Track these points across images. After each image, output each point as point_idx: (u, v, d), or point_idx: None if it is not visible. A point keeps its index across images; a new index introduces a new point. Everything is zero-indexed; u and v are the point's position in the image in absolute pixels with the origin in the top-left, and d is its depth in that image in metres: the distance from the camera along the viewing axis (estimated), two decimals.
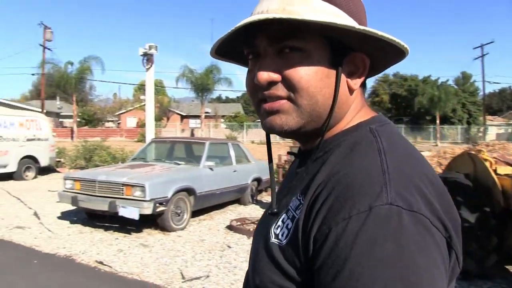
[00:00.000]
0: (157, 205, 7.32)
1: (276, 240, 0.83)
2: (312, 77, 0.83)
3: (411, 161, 0.79)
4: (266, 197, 11.83)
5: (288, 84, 0.83)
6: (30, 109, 31.95)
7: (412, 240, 0.67)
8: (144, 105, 56.44)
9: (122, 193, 7.36)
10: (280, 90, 0.84)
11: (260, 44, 0.86)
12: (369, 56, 0.89)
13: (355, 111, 0.91)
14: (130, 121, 62.86)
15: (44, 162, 15.62)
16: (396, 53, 0.88)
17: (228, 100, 79.61)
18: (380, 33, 0.80)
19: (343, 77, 0.87)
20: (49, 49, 40.84)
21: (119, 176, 7.57)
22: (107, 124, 65.59)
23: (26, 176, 14.92)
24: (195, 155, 9.54)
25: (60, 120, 58.22)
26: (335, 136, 0.89)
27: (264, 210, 1.14)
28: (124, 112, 63.82)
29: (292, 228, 0.81)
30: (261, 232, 0.93)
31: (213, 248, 6.88)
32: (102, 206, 7.41)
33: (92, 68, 41.68)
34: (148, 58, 15.34)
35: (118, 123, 65.91)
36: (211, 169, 8.97)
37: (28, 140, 15.11)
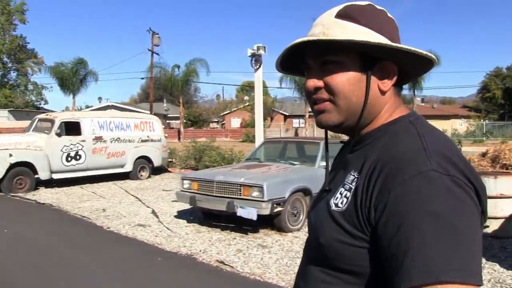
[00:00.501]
0: (275, 205, 7.19)
1: (336, 208, 1.05)
2: (345, 83, 1.07)
3: (443, 141, 0.99)
4: None
5: (328, 89, 1.08)
6: (138, 111, 33.37)
7: (454, 195, 0.87)
8: (248, 105, 57.37)
9: (240, 193, 7.32)
10: (324, 94, 1.10)
11: (309, 59, 1.12)
12: (398, 63, 1.09)
13: (392, 109, 1.12)
14: (234, 122, 64.14)
15: (157, 162, 16.16)
16: (424, 61, 1.09)
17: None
18: (394, 44, 1.04)
19: (374, 80, 1.08)
20: (157, 53, 42.68)
21: (237, 177, 7.54)
22: (211, 125, 67.46)
23: (141, 175, 15.52)
24: (309, 155, 9.32)
25: (167, 121, 60.60)
26: (379, 128, 1.10)
27: None
28: (228, 113, 65.23)
29: (350, 196, 1.02)
30: (319, 207, 1.17)
31: None
32: (220, 206, 7.42)
33: (197, 70, 42.87)
34: (256, 58, 15.33)
35: (223, 124, 67.49)
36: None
37: (142, 141, 15.73)
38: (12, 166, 12.14)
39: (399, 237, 0.86)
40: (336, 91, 1.07)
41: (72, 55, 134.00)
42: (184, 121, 49.22)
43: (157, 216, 8.95)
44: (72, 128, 13.66)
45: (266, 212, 7.10)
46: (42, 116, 14.62)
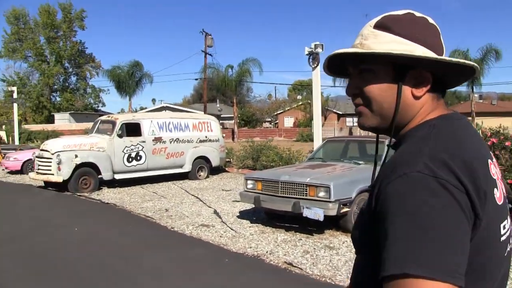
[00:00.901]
0: (341, 206, 7.02)
1: (363, 206, 1.15)
2: (377, 90, 1.13)
3: (450, 146, 1.02)
4: None
5: (363, 95, 1.16)
6: (191, 112, 33.72)
7: (433, 195, 0.91)
8: (301, 104, 56.95)
9: (306, 193, 7.18)
10: (360, 100, 1.18)
11: (348, 67, 1.21)
12: (432, 70, 1.12)
13: (426, 112, 1.14)
14: (287, 121, 63.96)
15: (215, 162, 16.23)
16: (463, 68, 1.13)
17: None
18: (421, 55, 1.08)
19: (406, 87, 1.12)
20: (210, 54, 43.05)
21: (302, 177, 7.39)
22: (264, 125, 67.50)
23: (199, 175, 15.62)
24: (372, 154, 9.08)
25: (221, 121, 61.05)
26: (409, 131, 1.14)
27: None
28: (281, 112, 65.10)
29: (369, 195, 1.11)
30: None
31: None
32: (285, 206, 7.30)
33: (251, 70, 42.95)
34: (314, 57, 15.09)
35: (276, 123, 67.40)
36: None
37: (200, 141, 15.83)
38: (78, 166, 12.47)
39: (382, 232, 0.95)
40: (369, 98, 1.15)
41: (126, 58, 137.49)
42: (238, 121, 49.44)
43: (219, 216, 8.93)
44: (132, 130, 13.92)
45: (333, 213, 6.93)
46: (104, 118, 14.95)
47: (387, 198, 0.96)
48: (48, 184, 13.35)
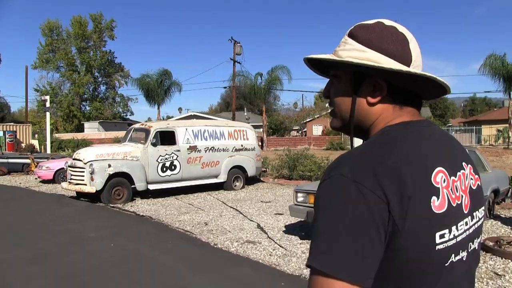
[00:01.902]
0: None
1: None
2: (338, 95, 1.21)
3: (384, 152, 1.03)
4: (502, 211, 10.09)
5: (330, 99, 1.25)
6: (220, 120, 33.22)
7: (347, 197, 0.95)
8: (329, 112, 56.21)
9: None
10: (331, 103, 1.25)
11: (324, 71, 1.31)
12: (387, 79, 1.14)
13: (385, 120, 1.16)
14: (316, 129, 63.08)
15: (251, 172, 15.60)
16: (428, 80, 1.14)
17: None
18: (379, 66, 1.09)
19: (363, 94, 1.16)
20: (238, 62, 42.52)
21: None
22: (291, 133, 66.69)
23: (235, 186, 15.00)
24: None
25: None
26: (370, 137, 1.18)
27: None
28: (310, 121, 64.29)
29: None
30: None
31: (479, 276, 5.60)
32: (301, 215, 6.73)
33: (280, 78, 42.30)
34: None
35: (303, 132, 66.57)
36: None
37: (236, 150, 15.22)
38: (111, 176, 11.98)
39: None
40: (333, 101, 1.23)
41: (153, 66, 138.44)
42: (266, 129, 48.79)
43: (265, 232, 8.26)
44: (166, 138, 13.38)
45: None
46: (137, 126, 14.45)
47: (315, 196, 1.02)
48: (80, 195, 12.88)
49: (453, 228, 1.05)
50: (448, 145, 1.17)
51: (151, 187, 12.89)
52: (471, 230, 1.13)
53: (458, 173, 1.12)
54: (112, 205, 11.75)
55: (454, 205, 1.06)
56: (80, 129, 57.44)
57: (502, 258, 6.31)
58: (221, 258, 6.70)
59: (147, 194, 13.12)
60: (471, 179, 1.20)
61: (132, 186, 12.47)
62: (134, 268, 6.19)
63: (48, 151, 28.55)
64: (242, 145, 15.43)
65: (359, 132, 1.21)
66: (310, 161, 16.53)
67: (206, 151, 14.21)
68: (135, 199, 12.72)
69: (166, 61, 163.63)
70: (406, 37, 1.16)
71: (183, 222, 9.33)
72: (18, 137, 32.65)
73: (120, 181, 12.22)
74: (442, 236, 1.02)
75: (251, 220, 9.37)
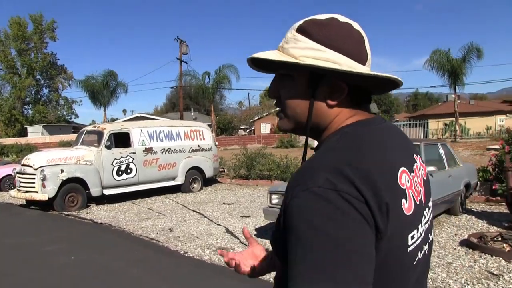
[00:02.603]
0: None
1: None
2: (291, 97, 1.12)
3: (353, 157, 0.98)
4: (472, 205, 10.16)
5: (279, 101, 1.16)
6: (162, 120, 32.55)
7: (335, 208, 0.88)
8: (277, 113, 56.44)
9: None
10: (278, 103, 1.17)
11: (270, 69, 1.20)
12: (349, 80, 1.08)
13: (341, 120, 1.11)
14: (264, 128, 63.10)
15: (209, 173, 15.22)
16: (382, 80, 1.11)
17: None
18: (329, 67, 1.04)
19: (321, 95, 1.10)
20: (185, 62, 41.81)
21: None
22: (239, 132, 66.52)
23: (193, 188, 14.59)
24: None
25: None
26: (326, 138, 1.12)
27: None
28: (258, 119, 64.27)
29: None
30: None
31: (475, 276, 5.48)
32: None
33: (229, 77, 41.90)
34: None
35: (251, 130, 66.51)
36: (431, 175, 7.60)
37: (193, 151, 14.80)
38: (64, 182, 11.34)
39: (289, 248, 0.91)
40: (285, 103, 1.14)
41: (97, 68, 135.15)
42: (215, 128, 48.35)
43: (235, 236, 7.91)
44: (121, 140, 12.83)
45: None
46: (90, 128, 13.79)
47: (292, 213, 0.93)
48: (30, 203, 12.16)
49: (419, 226, 1.06)
50: (401, 140, 1.15)
51: (107, 192, 12.31)
52: (428, 222, 1.14)
53: (413, 167, 1.11)
54: (66, 213, 11.13)
55: (418, 203, 1.06)
56: (23, 133, 55.29)
57: (492, 256, 6.19)
58: (197, 268, 6.30)
59: (102, 199, 12.53)
60: (422, 169, 1.18)
61: (87, 191, 11.86)
62: (105, 284, 5.73)
63: None
64: (199, 146, 15.03)
65: (312, 133, 1.17)
66: (268, 159, 16.29)
67: (162, 152, 13.73)
68: (89, 206, 12.12)
69: (111, 62, 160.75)
70: (362, 35, 1.13)
71: (146, 229, 8.88)
72: None
73: (73, 187, 11.60)
74: (412, 237, 1.02)
75: (218, 224, 9.02)
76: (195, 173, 14.72)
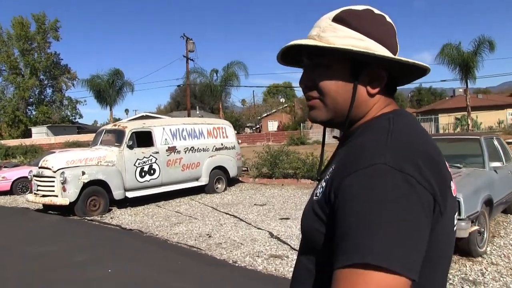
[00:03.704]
0: (471, 224, 5.37)
1: (315, 197, 1.10)
2: (333, 85, 1.12)
3: (411, 140, 1.00)
4: None
5: (318, 89, 1.14)
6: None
7: (398, 189, 0.88)
8: (286, 107, 55.37)
9: None
10: (313, 93, 1.16)
11: (303, 58, 1.18)
12: (387, 69, 1.12)
13: (379, 108, 1.14)
14: (271, 125, 62.40)
15: (233, 172, 14.45)
16: (415, 69, 1.14)
17: None
18: (377, 53, 1.06)
19: (362, 84, 1.11)
20: (192, 59, 41.08)
21: None
22: (246, 130, 65.78)
23: (217, 188, 13.81)
24: (465, 155, 7.47)
25: None
26: (363, 124, 1.14)
27: None
28: (265, 116, 63.51)
29: (325, 186, 1.06)
30: (310, 196, 1.17)
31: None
32: None
33: (237, 74, 41.08)
34: None
35: (257, 128, 65.79)
36: (495, 171, 6.84)
37: (216, 149, 14.03)
38: (85, 185, 10.57)
39: (343, 222, 0.90)
40: (324, 92, 1.13)
41: (101, 67, 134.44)
42: None
43: (283, 242, 7.14)
44: (143, 139, 12.05)
45: (465, 234, 5.27)
46: (110, 127, 13.01)
47: (351, 189, 0.92)
48: (48, 207, 11.39)
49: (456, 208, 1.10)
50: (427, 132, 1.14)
51: (129, 194, 11.53)
52: None
53: None
54: (89, 218, 10.36)
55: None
56: (27, 134, 54.53)
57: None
58: (252, 280, 5.55)
59: (124, 203, 11.74)
60: None
61: (109, 194, 11.10)
62: None
63: None
64: (222, 144, 14.26)
65: (345, 122, 1.16)
66: (293, 157, 15.51)
67: (185, 152, 12.95)
68: (111, 209, 11.35)
69: (115, 62, 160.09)
70: (394, 28, 1.17)
71: (181, 235, 8.10)
72: None
73: (95, 190, 10.82)
74: (455, 218, 1.09)
75: (258, 228, 8.25)
76: (219, 172, 13.94)
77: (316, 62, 1.14)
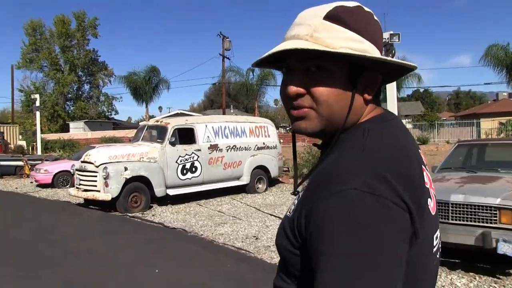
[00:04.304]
0: None
1: (289, 213, 1.02)
2: (331, 93, 0.98)
3: (385, 156, 0.92)
4: None
5: (312, 97, 0.99)
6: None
7: (372, 215, 0.81)
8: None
9: (495, 220, 5.06)
10: (305, 101, 1.00)
11: (292, 61, 1.01)
12: (382, 72, 1.05)
13: (365, 115, 1.05)
14: None
15: (274, 172, 14.13)
16: (402, 69, 1.07)
17: (404, 98, 73.69)
18: (388, 59, 0.99)
19: (359, 90, 1.02)
20: (228, 58, 40.97)
21: (485, 196, 5.24)
22: (280, 130, 65.50)
23: (258, 188, 13.52)
24: None
25: None
26: (342, 135, 1.02)
27: None
28: None
29: (297, 204, 0.99)
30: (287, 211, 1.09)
31: None
32: (464, 239, 5.18)
33: (274, 72, 40.78)
34: (388, 48, 13.10)
35: (291, 128, 65.41)
36: None
37: (258, 148, 13.73)
38: (127, 181, 10.42)
39: (315, 252, 0.85)
40: (321, 100, 0.99)
41: (136, 64, 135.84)
42: None
43: None
44: (185, 136, 11.84)
45: None
46: (152, 123, 12.86)
47: (321, 219, 0.85)
48: (89, 202, 11.29)
49: (439, 226, 1.05)
50: (411, 137, 1.08)
51: (171, 192, 11.34)
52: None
53: (423, 164, 1.05)
54: (130, 214, 10.20)
55: (436, 203, 1.03)
56: (65, 129, 55.52)
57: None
58: None
59: (164, 200, 11.56)
60: (426, 169, 1.07)
61: (150, 191, 10.93)
62: None
63: (39, 152, 26.71)
64: (264, 143, 13.95)
65: (334, 132, 1.03)
66: None
67: (227, 150, 12.70)
68: (152, 207, 11.18)
69: (150, 59, 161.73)
70: (380, 26, 1.08)
71: (227, 236, 7.83)
72: (5, 138, 30.96)
73: (137, 186, 10.68)
74: (436, 238, 1.01)
75: None
76: (260, 172, 13.65)
77: (310, 64, 1.00)
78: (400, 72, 1.10)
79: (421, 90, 78.43)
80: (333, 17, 0.98)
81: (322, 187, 0.89)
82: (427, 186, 0.97)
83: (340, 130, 1.01)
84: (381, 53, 1.04)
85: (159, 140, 11.53)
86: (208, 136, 12.31)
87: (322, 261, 0.82)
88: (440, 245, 1.06)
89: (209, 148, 12.20)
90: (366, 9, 1.05)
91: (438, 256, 1.05)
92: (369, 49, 0.99)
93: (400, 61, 1.02)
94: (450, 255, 5.83)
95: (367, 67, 1.01)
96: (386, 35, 13.15)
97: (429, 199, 0.96)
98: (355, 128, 1.02)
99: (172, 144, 11.38)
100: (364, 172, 0.87)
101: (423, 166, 1.01)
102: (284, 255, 1.00)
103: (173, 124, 11.73)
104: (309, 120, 1.02)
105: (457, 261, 5.80)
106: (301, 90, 1.00)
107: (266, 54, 1.01)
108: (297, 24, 1.02)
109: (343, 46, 0.96)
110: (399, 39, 13.31)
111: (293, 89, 1.00)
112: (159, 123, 12.32)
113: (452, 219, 5.34)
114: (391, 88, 13.58)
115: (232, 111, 64.01)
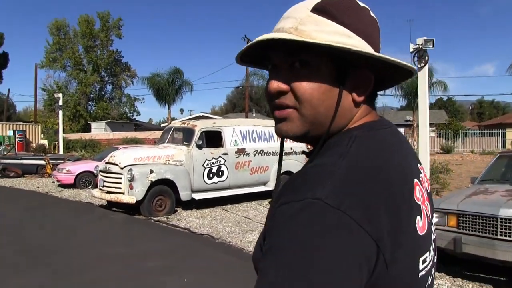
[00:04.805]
0: None
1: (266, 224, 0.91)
2: (315, 91, 0.89)
3: (366, 168, 0.83)
4: None
5: (295, 95, 0.90)
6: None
7: (326, 235, 0.72)
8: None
9: None
10: (288, 100, 0.91)
11: (275, 57, 0.94)
12: (374, 72, 0.94)
13: (356, 120, 0.96)
14: None
15: None
16: (402, 71, 0.96)
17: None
18: (377, 54, 0.89)
19: (347, 90, 0.92)
20: None
21: None
22: None
23: None
24: None
25: None
26: (329, 140, 0.93)
27: None
28: None
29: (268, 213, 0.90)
30: None
31: None
32: None
33: None
34: (421, 54, 12.68)
35: None
36: None
37: (285, 153, 13.36)
38: (153, 184, 10.14)
39: (262, 259, 0.78)
40: (303, 99, 0.90)
41: (158, 66, 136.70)
42: None
43: None
44: (212, 139, 11.54)
45: None
46: (178, 125, 12.63)
47: (278, 222, 0.78)
48: (112, 204, 11.04)
49: (431, 248, 0.94)
50: (409, 148, 1.01)
51: (196, 196, 11.04)
52: (433, 241, 0.99)
53: (420, 178, 0.96)
54: (155, 218, 9.92)
55: (428, 220, 0.93)
56: (87, 129, 55.78)
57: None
58: None
59: (189, 204, 11.26)
60: (426, 181, 1.01)
61: (176, 195, 10.64)
62: None
63: (61, 151, 26.71)
64: (291, 148, 13.55)
65: (320, 136, 0.94)
66: None
67: (255, 154, 12.37)
68: (176, 211, 10.89)
69: (173, 61, 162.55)
70: (378, 23, 0.99)
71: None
72: (27, 136, 31.16)
73: (162, 189, 10.39)
74: (424, 261, 0.90)
75: None
76: (287, 178, 13.24)
77: (294, 60, 0.92)
78: (402, 75, 0.99)
79: (445, 98, 77.43)
80: (321, 9, 0.91)
81: (290, 191, 0.82)
82: (419, 202, 0.89)
83: (325, 134, 0.92)
84: (378, 52, 0.94)
85: (186, 143, 11.25)
86: (235, 140, 12.00)
87: (265, 269, 0.75)
88: (433, 268, 0.98)
89: (236, 152, 11.89)
90: (361, 4, 0.97)
91: (430, 281, 0.95)
92: (358, 45, 0.89)
93: (392, 59, 0.91)
94: (496, 273, 5.46)
95: (358, 65, 0.93)
96: (420, 41, 12.84)
97: (418, 217, 0.87)
98: (343, 133, 0.94)
99: (199, 147, 11.08)
100: (336, 183, 0.79)
101: (416, 180, 0.92)
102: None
103: (200, 126, 11.45)
104: (291, 122, 0.93)
105: (502, 278, 5.41)
106: (282, 86, 0.91)
107: (243, 48, 0.95)
108: (285, 18, 0.95)
109: (328, 40, 0.87)
110: (433, 45, 12.94)
111: (274, 84, 0.92)
112: (185, 125, 12.05)
113: (501, 235, 4.94)
114: (423, 95, 13.17)
115: (254, 115, 63.86)
